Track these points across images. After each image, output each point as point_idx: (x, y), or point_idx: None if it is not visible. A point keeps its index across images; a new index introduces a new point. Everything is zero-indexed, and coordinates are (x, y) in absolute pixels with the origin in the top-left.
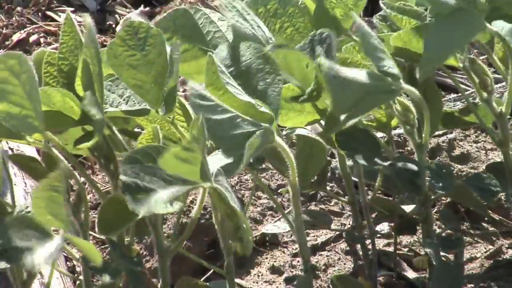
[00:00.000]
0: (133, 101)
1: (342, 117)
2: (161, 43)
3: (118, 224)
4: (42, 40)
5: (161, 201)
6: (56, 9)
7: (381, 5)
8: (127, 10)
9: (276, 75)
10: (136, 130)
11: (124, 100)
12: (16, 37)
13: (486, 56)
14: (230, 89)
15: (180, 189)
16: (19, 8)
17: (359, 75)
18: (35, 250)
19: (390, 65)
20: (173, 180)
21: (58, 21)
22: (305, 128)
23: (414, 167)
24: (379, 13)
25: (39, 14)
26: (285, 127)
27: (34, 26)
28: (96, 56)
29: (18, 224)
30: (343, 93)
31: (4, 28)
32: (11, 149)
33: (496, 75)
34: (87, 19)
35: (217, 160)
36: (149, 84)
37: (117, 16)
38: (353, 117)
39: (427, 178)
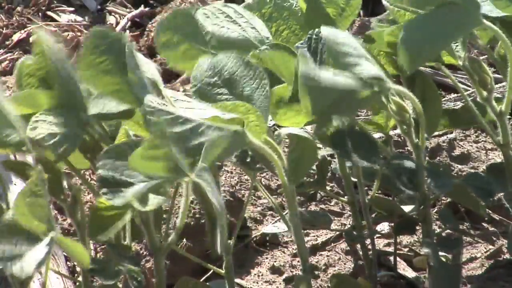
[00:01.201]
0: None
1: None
2: (127, 45)
3: (108, 227)
4: None
5: (138, 193)
6: (56, 9)
7: (384, 2)
8: (127, 10)
9: (261, 79)
10: None
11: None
12: (16, 37)
13: (486, 56)
14: (194, 105)
15: (158, 182)
16: (19, 8)
17: (338, 78)
18: (24, 256)
19: (368, 68)
20: (153, 175)
21: (58, 21)
22: (303, 128)
23: (412, 164)
24: (377, 17)
25: (39, 14)
26: (281, 126)
27: (35, 26)
28: (64, 65)
29: (6, 232)
30: (317, 97)
31: (5, 28)
32: None
33: (496, 75)
34: (41, 33)
35: None
36: (125, 85)
37: (117, 16)
38: (334, 117)
39: (425, 178)
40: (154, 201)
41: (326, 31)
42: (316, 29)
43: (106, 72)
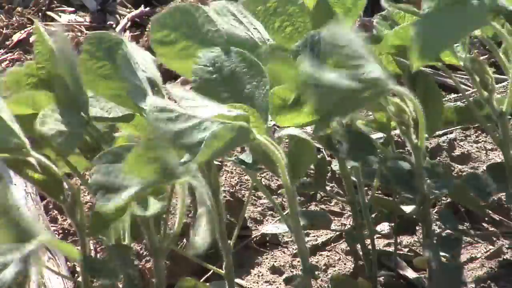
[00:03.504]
0: (116, 111)
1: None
2: (126, 50)
3: (109, 227)
4: None
5: (129, 196)
6: (56, 9)
7: (382, 3)
8: (127, 10)
9: (262, 77)
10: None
11: (107, 112)
12: (16, 37)
13: (486, 56)
14: (199, 103)
15: (150, 182)
16: (19, 8)
17: (341, 78)
18: (12, 263)
19: (372, 69)
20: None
21: (59, 21)
22: (303, 129)
23: (408, 166)
24: (380, 13)
25: (40, 14)
26: (282, 127)
27: (35, 26)
28: (71, 65)
29: None
30: (320, 97)
31: (5, 28)
32: None
33: (497, 75)
34: (59, 29)
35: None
36: (125, 90)
37: (117, 16)
38: (335, 117)
39: (426, 178)
40: (154, 206)
41: (328, 32)
42: (314, 31)
43: (105, 77)
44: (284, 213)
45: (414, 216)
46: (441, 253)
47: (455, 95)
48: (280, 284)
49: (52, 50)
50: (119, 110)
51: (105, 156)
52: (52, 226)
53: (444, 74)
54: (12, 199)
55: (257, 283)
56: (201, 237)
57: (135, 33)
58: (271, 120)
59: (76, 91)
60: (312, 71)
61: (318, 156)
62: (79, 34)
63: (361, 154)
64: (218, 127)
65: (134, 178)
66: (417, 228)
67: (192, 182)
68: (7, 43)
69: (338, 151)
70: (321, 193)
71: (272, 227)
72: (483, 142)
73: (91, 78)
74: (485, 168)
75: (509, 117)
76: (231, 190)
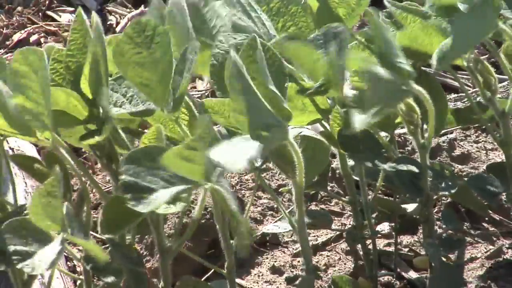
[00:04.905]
0: (137, 100)
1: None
2: (167, 41)
3: (121, 224)
4: (42, 40)
5: (162, 201)
6: (56, 9)
7: (386, 3)
8: (128, 10)
9: (281, 71)
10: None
11: (127, 99)
12: (16, 37)
13: (487, 56)
14: (260, 78)
15: (182, 188)
16: (19, 8)
17: (386, 73)
18: (35, 254)
19: (404, 62)
20: (174, 180)
21: (59, 21)
22: (307, 128)
23: (415, 169)
24: (385, 10)
25: (40, 14)
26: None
27: (35, 26)
28: (103, 54)
29: (16, 227)
30: (379, 89)
31: (5, 28)
32: (12, 149)
33: (497, 75)
34: (95, 17)
35: (236, 147)
36: (155, 82)
37: (117, 16)
38: (382, 113)
39: (429, 179)
40: (179, 204)
41: (374, 15)
42: (334, 24)
43: (139, 65)
44: (287, 211)
45: (415, 216)
46: (442, 253)
47: (455, 95)
48: (280, 284)
49: (90, 41)
50: (139, 100)
51: (132, 157)
52: None
53: (444, 74)
54: (60, 187)
55: (257, 283)
56: (241, 242)
57: None
58: None
59: (103, 90)
60: (369, 59)
61: None
62: None
63: (372, 155)
64: (269, 119)
65: (159, 181)
66: (418, 228)
67: (218, 188)
68: (7, 43)
69: (358, 152)
70: (321, 193)
71: (273, 226)
72: (483, 142)
73: (125, 61)
74: (485, 168)
75: (511, 117)
76: (231, 190)
